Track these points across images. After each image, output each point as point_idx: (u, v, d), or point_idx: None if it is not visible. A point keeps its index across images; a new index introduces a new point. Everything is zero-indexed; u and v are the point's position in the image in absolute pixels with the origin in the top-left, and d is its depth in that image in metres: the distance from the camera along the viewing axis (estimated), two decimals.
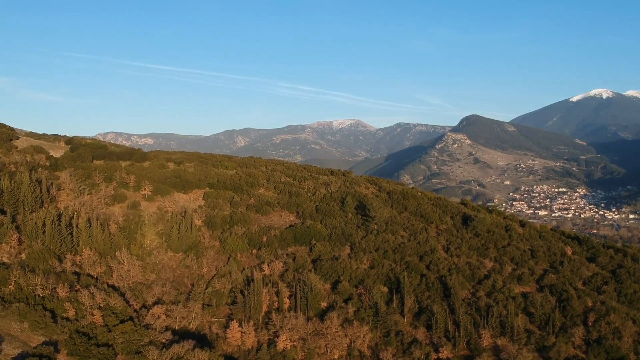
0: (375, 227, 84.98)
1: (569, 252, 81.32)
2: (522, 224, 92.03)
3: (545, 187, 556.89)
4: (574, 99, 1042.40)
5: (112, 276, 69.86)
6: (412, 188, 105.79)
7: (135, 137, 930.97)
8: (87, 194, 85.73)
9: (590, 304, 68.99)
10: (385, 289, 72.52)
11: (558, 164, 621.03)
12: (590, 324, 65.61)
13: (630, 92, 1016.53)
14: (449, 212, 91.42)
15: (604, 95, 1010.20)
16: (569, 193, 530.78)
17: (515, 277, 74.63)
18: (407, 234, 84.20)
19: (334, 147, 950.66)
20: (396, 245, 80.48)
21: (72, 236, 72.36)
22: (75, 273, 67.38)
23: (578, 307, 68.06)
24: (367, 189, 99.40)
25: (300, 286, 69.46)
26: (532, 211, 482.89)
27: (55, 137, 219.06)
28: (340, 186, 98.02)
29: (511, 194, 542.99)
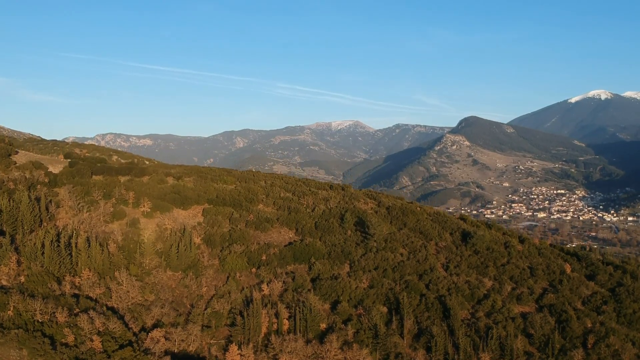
0: (375, 244, 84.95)
1: (568, 270, 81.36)
2: (521, 240, 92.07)
3: (544, 189, 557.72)
4: (573, 100, 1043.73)
5: (111, 297, 69.66)
6: (411, 203, 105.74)
7: (134, 138, 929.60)
8: (86, 212, 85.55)
9: (589, 325, 69.03)
10: (385, 309, 72.47)
11: (557, 165, 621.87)
12: (589, 346, 65.62)
13: (628, 93, 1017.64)
14: (448, 228, 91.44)
15: (603, 97, 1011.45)
16: (567, 195, 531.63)
17: (515, 297, 74.69)
18: (406, 252, 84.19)
19: (333, 148, 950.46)
20: (395, 264, 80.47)
21: (71, 257, 72.18)
22: (75, 295, 67.21)
23: (577, 328, 68.11)
24: (366, 204, 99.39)
25: (299, 307, 69.39)
26: (530, 213, 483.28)
27: (54, 144, 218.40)
28: (339, 201, 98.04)
29: (510, 195, 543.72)
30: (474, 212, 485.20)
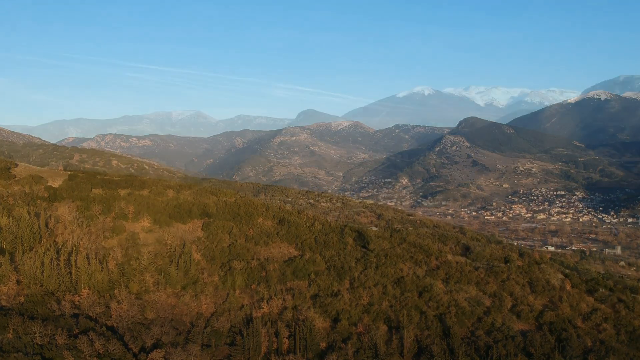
0: (375, 260, 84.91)
1: (568, 286, 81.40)
2: (521, 254, 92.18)
3: (543, 190, 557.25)
4: (573, 100, 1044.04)
5: (110, 317, 69.58)
6: (411, 215, 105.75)
7: (134, 138, 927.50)
8: (86, 227, 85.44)
9: (589, 344, 69.03)
10: (385, 327, 72.40)
11: (556, 166, 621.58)
12: None
13: (628, 94, 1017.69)
14: (448, 243, 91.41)
15: (603, 97, 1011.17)
16: (567, 196, 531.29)
17: (515, 314, 74.72)
18: (406, 267, 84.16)
19: (333, 148, 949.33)
20: (395, 280, 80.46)
21: (71, 275, 72.16)
22: (74, 315, 67.14)
23: (577, 347, 68.01)
24: (366, 217, 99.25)
25: (299, 326, 69.37)
26: (530, 214, 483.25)
27: (54, 148, 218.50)
28: (339, 215, 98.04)
29: (509, 196, 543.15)
30: (474, 213, 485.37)
